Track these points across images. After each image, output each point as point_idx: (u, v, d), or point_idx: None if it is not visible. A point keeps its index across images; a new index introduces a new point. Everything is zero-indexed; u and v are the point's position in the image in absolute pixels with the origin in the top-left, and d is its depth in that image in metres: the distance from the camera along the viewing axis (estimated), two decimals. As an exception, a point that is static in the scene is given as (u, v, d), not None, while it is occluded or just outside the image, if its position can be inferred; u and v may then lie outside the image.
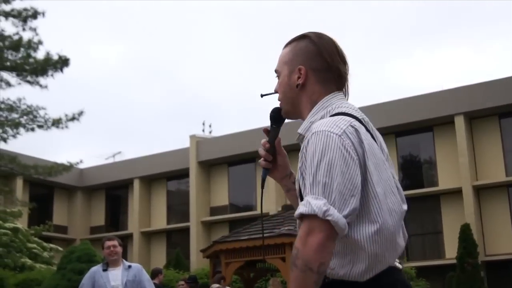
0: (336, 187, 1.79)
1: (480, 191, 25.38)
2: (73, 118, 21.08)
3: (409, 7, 58.34)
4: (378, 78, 59.10)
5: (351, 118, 1.92)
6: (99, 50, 65.04)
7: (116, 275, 6.23)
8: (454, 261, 20.88)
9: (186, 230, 31.08)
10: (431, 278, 22.89)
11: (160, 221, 33.12)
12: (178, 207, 33.18)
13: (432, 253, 26.44)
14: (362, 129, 1.91)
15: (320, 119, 1.97)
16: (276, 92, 2.15)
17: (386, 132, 25.45)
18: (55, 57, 20.65)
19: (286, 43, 2.15)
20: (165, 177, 33.26)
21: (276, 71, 2.14)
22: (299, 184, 1.94)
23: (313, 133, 1.88)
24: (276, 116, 2.13)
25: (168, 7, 64.96)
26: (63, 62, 20.75)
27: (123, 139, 61.32)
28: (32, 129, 21.01)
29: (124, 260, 6.45)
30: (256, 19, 64.42)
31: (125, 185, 34.22)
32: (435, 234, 26.64)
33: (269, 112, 2.15)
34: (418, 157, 28.28)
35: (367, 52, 62.86)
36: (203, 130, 33.75)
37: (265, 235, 12.01)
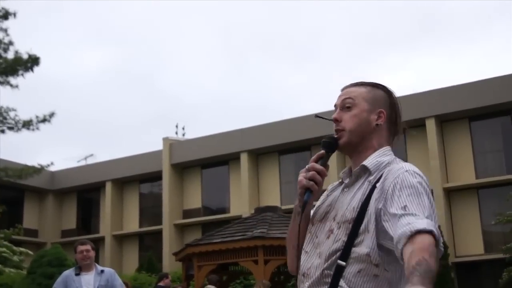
0: (436, 222, 2.03)
1: (450, 193, 25.68)
2: (44, 120, 20.84)
3: (386, 13, 58.86)
4: (352, 81, 59.33)
5: None
6: (72, 53, 64.49)
7: (88, 279, 6.19)
8: (425, 262, 21.11)
9: (159, 233, 30.91)
10: (402, 280, 23.06)
11: (132, 224, 32.89)
12: (150, 210, 32.98)
13: (403, 254, 26.62)
14: None
15: (388, 161, 2.17)
16: (335, 120, 2.23)
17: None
18: (25, 56, 20.36)
19: (357, 83, 2.30)
20: (138, 179, 33.03)
21: (348, 101, 2.23)
22: (367, 210, 2.06)
23: (406, 170, 2.08)
24: (333, 143, 2.21)
25: (141, 10, 64.69)
26: (33, 61, 20.45)
27: (95, 142, 60.85)
28: (2, 131, 20.73)
29: (96, 265, 6.41)
30: (230, 23, 64.44)
31: (97, 188, 33.89)
32: (407, 236, 26.83)
33: (324, 139, 2.22)
34: (390, 160, 28.47)
35: (342, 56, 63.36)
36: (176, 133, 33.61)
37: (237, 238, 11.98)
